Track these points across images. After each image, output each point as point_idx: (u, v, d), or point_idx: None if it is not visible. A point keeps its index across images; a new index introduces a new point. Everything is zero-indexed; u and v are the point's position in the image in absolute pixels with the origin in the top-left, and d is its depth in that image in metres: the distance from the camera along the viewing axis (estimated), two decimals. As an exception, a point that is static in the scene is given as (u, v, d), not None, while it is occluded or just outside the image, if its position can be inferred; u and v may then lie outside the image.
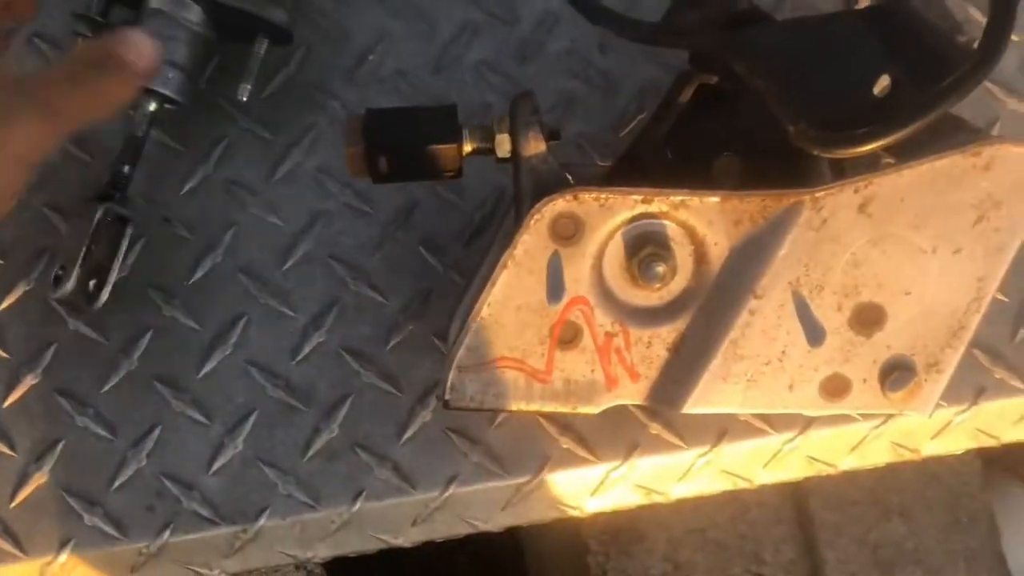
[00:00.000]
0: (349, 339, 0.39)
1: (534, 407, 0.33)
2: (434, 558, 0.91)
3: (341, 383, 0.38)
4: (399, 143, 0.32)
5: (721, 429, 0.39)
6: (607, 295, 0.32)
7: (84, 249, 0.36)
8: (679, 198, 0.30)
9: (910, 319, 0.31)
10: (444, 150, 0.32)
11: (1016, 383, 0.40)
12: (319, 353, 0.39)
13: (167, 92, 0.38)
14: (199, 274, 0.39)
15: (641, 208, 0.31)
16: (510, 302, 0.32)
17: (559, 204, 0.30)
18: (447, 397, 0.33)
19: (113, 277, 0.38)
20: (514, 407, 0.33)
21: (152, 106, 0.38)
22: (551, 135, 0.32)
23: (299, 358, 0.39)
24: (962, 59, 0.29)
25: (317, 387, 0.38)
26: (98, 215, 0.37)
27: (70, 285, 0.36)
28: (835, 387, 0.32)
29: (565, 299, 0.32)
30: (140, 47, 0.33)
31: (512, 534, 0.76)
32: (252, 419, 0.38)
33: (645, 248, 0.31)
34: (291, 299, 0.39)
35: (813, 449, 0.39)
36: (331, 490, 0.38)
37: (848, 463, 0.40)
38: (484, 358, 0.32)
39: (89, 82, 0.32)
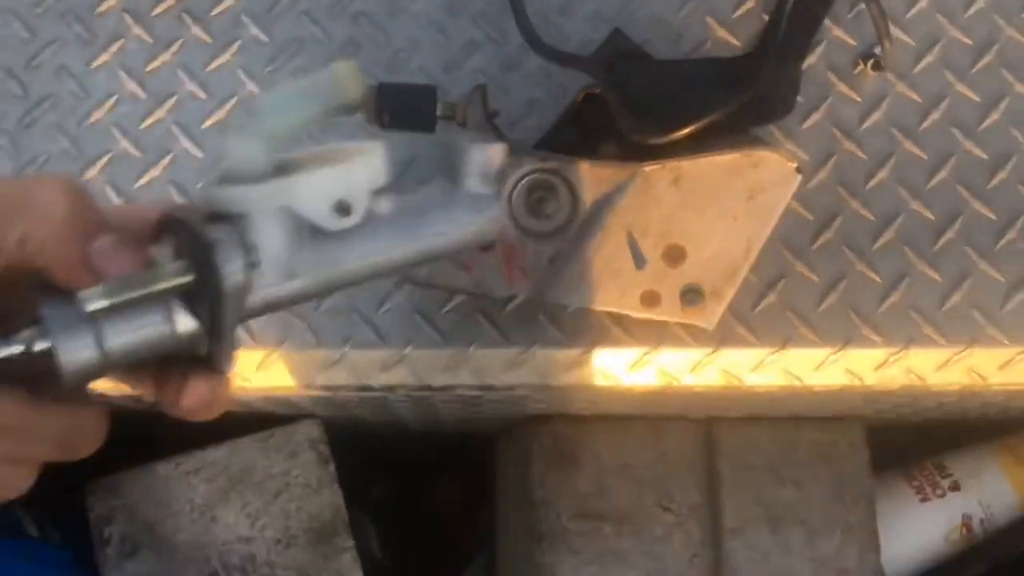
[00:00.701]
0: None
1: (462, 288, 0.51)
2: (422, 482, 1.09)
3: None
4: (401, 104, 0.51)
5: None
6: (515, 220, 0.50)
7: None
8: (565, 162, 0.48)
9: (702, 259, 0.48)
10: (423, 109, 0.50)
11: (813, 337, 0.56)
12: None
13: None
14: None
15: (540, 165, 0.48)
16: (451, 214, 0.50)
17: (486, 155, 0.48)
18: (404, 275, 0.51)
19: None
20: (449, 287, 0.51)
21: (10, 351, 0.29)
22: (493, 113, 0.50)
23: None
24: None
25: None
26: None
27: None
28: (650, 299, 0.49)
29: (485, 217, 0.49)
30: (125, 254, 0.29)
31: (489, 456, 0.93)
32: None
33: (539, 191, 0.49)
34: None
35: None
36: (327, 336, 0.57)
37: (688, 380, 0.57)
38: (431, 250, 0.50)
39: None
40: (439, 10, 0.60)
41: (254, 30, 0.60)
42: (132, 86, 0.59)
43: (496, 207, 0.35)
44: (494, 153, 0.35)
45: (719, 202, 0.47)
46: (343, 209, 0.30)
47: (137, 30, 0.60)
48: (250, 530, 0.79)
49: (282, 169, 0.30)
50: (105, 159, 0.58)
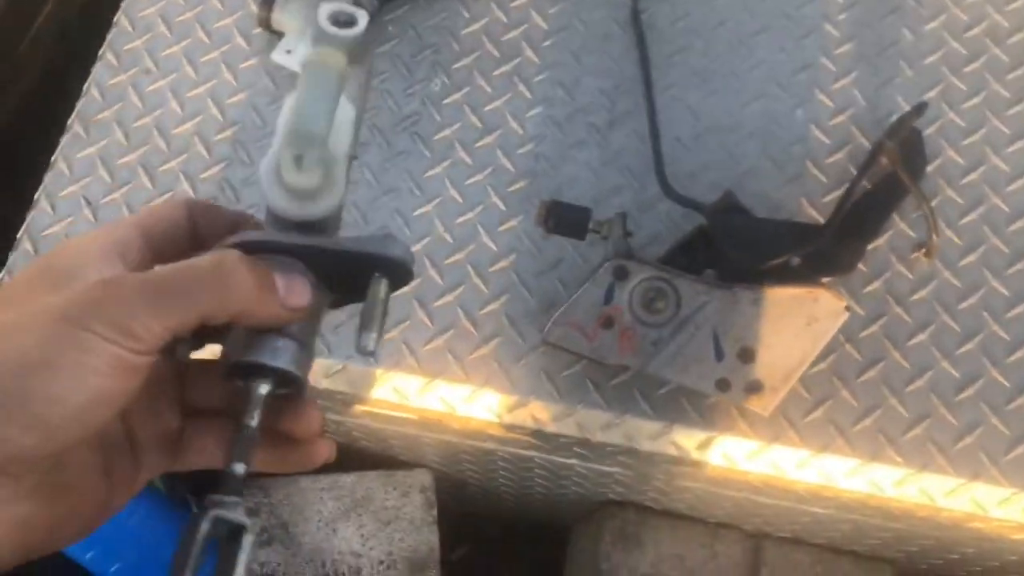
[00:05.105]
0: (508, 311, 0.77)
1: (581, 352, 0.69)
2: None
3: (496, 331, 0.76)
4: (564, 216, 0.71)
5: (725, 425, 0.72)
6: (631, 309, 0.68)
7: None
8: (677, 275, 0.67)
9: (766, 362, 0.65)
10: (579, 222, 0.70)
11: (847, 449, 0.71)
12: (492, 313, 0.76)
13: (279, 366, 0.34)
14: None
15: (658, 273, 0.67)
16: (587, 297, 0.68)
17: (621, 264, 0.67)
18: (543, 333, 0.69)
19: None
20: (572, 349, 0.69)
21: (264, 388, 0.34)
22: (628, 232, 0.69)
23: (483, 312, 0.77)
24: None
25: (487, 327, 0.76)
26: (203, 530, 0.31)
27: None
28: (723, 384, 0.66)
29: (612, 304, 0.68)
30: (298, 283, 0.34)
31: (560, 534, 1.07)
32: (451, 331, 0.76)
33: (653, 292, 0.67)
34: (489, 285, 0.77)
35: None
36: (474, 373, 0.75)
37: (748, 466, 0.72)
38: (566, 321, 0.69)
39: (226, 283, 0.32)
40: (597, 160, 0.81)
41: (462, 153, 0.82)
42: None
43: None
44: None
45: (785, 322, 0.64)
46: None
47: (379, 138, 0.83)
48: (361, 548, 0.96)
49: None
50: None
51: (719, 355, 0.66)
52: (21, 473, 0.30)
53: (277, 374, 0.35)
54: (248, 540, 0.32)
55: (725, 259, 0.67)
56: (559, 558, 1.13)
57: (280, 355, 0.34)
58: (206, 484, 0.35)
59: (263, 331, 0.34)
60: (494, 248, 0.79)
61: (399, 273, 0.36)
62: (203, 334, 0.33)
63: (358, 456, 0.98)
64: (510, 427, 0.75)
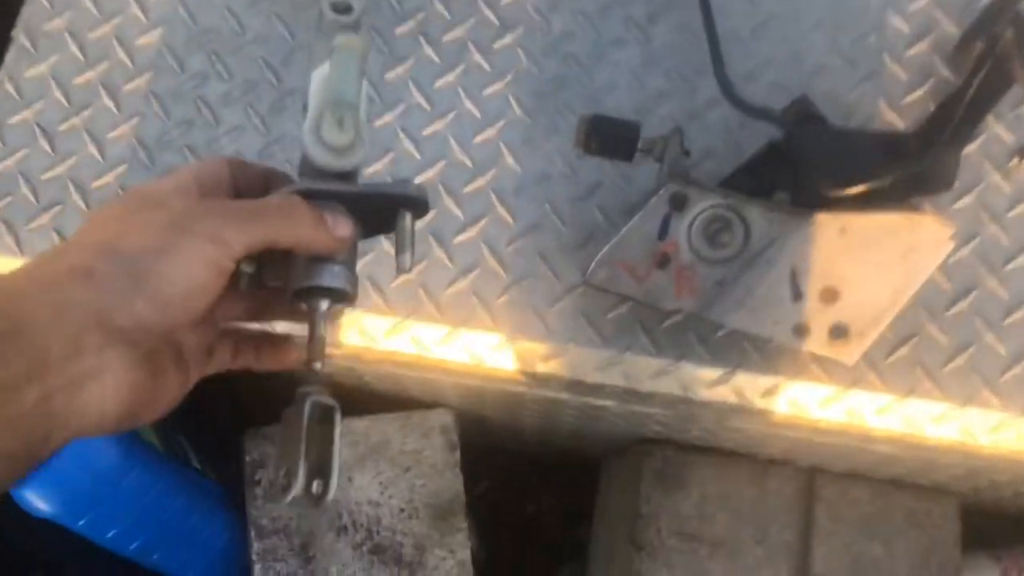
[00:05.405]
0: (540, 246, 0.66)
1: (631, 295, 0.59)
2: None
3: (529, 268, 0.66)
4: (609, 135, 0.59)
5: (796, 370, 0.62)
6: (690, 244, 0.57)
7: (303, 451, 0.37)
8: (745, 201, 0.56)
9: (853, 303, 0.55)
10: (627, 141, 0.59)
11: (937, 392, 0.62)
12: (522, 249, 0.66)
13: (335, 286, 0.41)
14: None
15: (722, 201, 0.56)
16: (637, 232, 0.58)
17: (680, 187, 0.57)
18: (586, 276, 0.59)
19: (336, 472, 0.38)
20: (620, 292, 0.59)
21: (324, 304, 0.42)
22: (686, 151, 0.58)
23: (511, 248, 0.66)
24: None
25: (515, 266, 0.66)
26: (307, 412, 0.38)
27: (297, 490, 0.37)
28: (801, 330, 0.56)
29: (667, 240, 0.58)
30: (342, 219, 0.41)
31: (592, 468, 1.00)
32: (477, 271, 0.66)
33: (717, 223, 0.57)
34: (516, 216, 0.67)
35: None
36: (504, 323, 0.65)
37: (819, 413, 0.63)
38: (613, 259, 0.59)
39: (291, 217, 0.40)
40: (638, 61, 0.69)
41: (477, 57, 0.70)
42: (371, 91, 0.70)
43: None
44: None
45: (876, 255, 0.54)
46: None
47: (379, 42, 0.71)
48: (379, 496, 0.88)
49: None
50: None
51: (796, 296, 0.56)
52: (140, 342, 0.37)
53: (334, 292, 0.42)
54: (339, 417, 0.40)
55: (804, 181, 0.56)
56: (589, 486, 1.07)
57: (336, 278, 0.42)
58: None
59: (318, 261, 0.42)
60: (519, 171, 0.68)
61: (418, 207, 0.44)
62: (263, 260, 0.42)
63: (371, 398, 0.89)
64: (545, 378, 0.66)
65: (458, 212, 0.67)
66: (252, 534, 0.86)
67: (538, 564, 1.10)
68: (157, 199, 0.39)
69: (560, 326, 0.64)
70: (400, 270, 0.43)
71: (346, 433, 0.89)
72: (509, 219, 0.66)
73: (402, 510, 0.88)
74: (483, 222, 0.66)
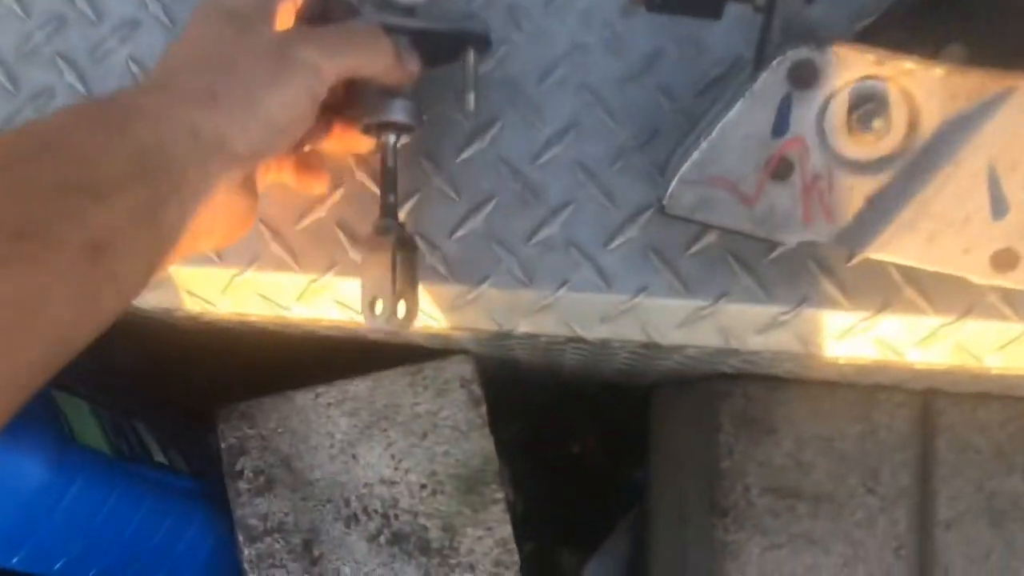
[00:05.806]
0: (582, 155, 0.46)
1: (736, 226, 0.39)
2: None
3: (569, 190, 0.46)
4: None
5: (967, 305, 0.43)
6: (823, 141, 0.37)
7: (391, 279, 0.41)
8: (909, 65, 0.35)
9: (1090, 212, 0.36)
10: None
11: None
12: (555, 162, 0.46)
13: (405, 120, 0.42)
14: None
15: (873, 69, 0.36)
16: (739, 129, 0.38)
17: (803, 51, 0.36)
18: (665, 203, 0.39)
19: (418, 300, 0.43)
20: (719, 223, 0.39)
21: (393, 138, 0.43)
22: (807, -3, 0.37)
23: (539, 162, 0.46)
24: None
25: (549, 189, 0.46)
26: (393, 242, 0.41)
27: (385, 316, 0.41)
28: (1005, 260, 0.37)
29: (787, 136, 0.37)
30: (411, 54, 0.41)
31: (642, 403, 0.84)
32: (492, 203, 0.46)
33: (867, 104, 0.36)
34: (542, 112, 0.46)
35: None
36: (542, 275, 0.46)
37: (993, 360, 0.44)
38: (704, 175, 0.39)
39: (365, 47, 0.39)
40: None
41: None
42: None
43: None
44: None
45: None
46: None
47: None
48: (393, 472, 0.71)
49: None
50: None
51: (999, 208, 0.36)
52: (248, 168, 0.38)
53: (402, 126, 0.43)
54: (418, 251, 0.44)
55: (995, 21, 0.35)
56: (638, 418, 0.90)
57: (406, 112, 0.42)
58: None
59: (387, 96, 0.41)
60: (542, 43, 0.46)
61: (480, 44, 0.44)
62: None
63: (372, 352, 0.70)
64: (604, 343, 0.47)
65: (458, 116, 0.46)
66: (240, 538, 0.69)
67: (589, 512, 0.94)
68: (242, 19, 0.38)
69: (621, 271, 0.45)
70: (465, 112, 0.44)
71: (344, 399, 0.71)
72: (533, 118, 0.46)
73: (423, 486, 0.71)
74: (496, 126, 0.46)
